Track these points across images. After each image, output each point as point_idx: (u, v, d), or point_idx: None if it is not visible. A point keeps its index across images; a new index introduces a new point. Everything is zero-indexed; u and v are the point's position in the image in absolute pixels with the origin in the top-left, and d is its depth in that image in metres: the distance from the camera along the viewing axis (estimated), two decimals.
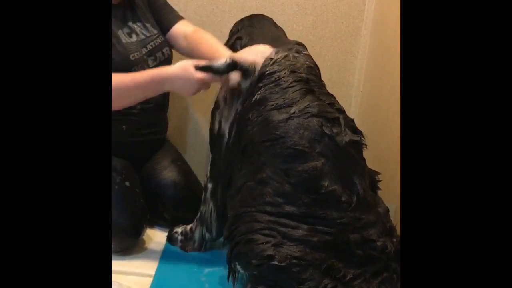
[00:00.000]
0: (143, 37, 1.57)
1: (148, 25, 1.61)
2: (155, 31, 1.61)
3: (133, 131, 1.57)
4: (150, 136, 1.65)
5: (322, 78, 1.33)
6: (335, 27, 1.89)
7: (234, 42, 1.47)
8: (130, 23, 1.57)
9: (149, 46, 1.57)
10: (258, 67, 1.25)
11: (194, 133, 1.98)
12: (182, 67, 1.32)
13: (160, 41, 1.60)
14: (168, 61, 1.64)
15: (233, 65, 1.28)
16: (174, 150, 1.79)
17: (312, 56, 1.36)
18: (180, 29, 1.63)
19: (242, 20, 1.54)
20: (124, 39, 1.51)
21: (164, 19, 1.65)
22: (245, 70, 1.28)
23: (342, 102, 1.27)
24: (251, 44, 1.37)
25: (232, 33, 1.53)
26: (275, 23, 1.52)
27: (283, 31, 1.51)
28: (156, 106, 1.63)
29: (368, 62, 1.88)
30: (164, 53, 1.61)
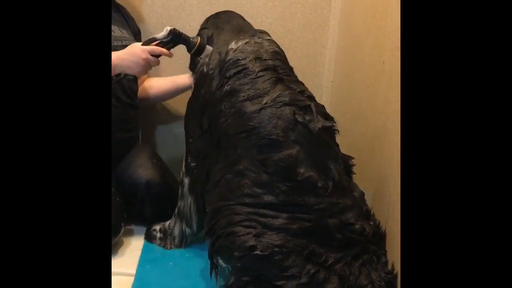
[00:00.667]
0: (117, 34, 1.59)
1: (124, 31, 1.65)
2: (132, 38, 1.64)
3: None
4: (120, 133, 1.63)
5: (293, 69, 1.34)
6: (304, 18, 1.91)
7: (200, 32, 1.47)
8: None
9: (121, 43, 1.58)
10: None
11: (167, 130, 1.96)
12: (129, 47, 1.44)
13: None
14: None
15: (174, 34, 1.39)
16: (148, 148, 1.77)
17: (282, 47, 1.37)
18: None
19: (210, 16, 1.54)
20: None
21: None
22: (186, 41, 1.39)
23: (314, 92, 1.28)
24: (217, 33, 1.37)
25: (200, 28, 1.53)
26: (242, 17, 1.53)
27: (251, 24, 1.51)
28: (123, 102, 1.62)
29: (337, 52, 1.90)
30: None
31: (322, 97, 1.94)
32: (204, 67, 1.32)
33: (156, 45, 1.40)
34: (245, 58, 1.23)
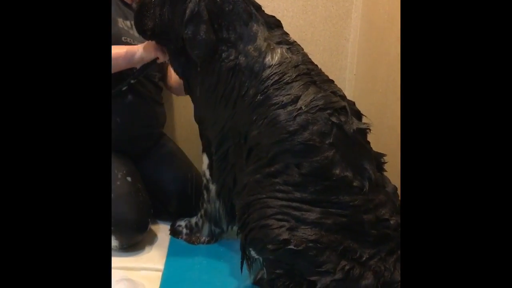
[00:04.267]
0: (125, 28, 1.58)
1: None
2: None
3: (127, 125, 1.53)
4: (145, 129, 1.62)
5: (315, 63, 1.29)
6: (325, 11, 1.89)
7: None
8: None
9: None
10: None
11: (189, 125, 1.96)
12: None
13: None
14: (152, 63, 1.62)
15: None
16: (172, 144, 1.78)
17: (304, 41, 1.35)
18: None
19: None
20: (121, 24, 1.53)
21: None
22: None
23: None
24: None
25: None
26: None
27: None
28: (148, 99, 1.61)
29: (360, 45, 1.88)
30: None
31: (345, 91, 1.88)
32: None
33: None
34: (285, 73, 1.17)
